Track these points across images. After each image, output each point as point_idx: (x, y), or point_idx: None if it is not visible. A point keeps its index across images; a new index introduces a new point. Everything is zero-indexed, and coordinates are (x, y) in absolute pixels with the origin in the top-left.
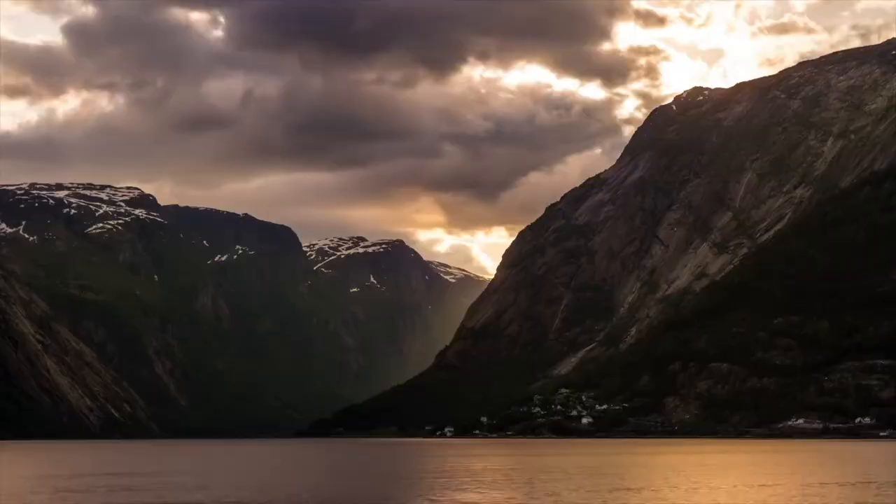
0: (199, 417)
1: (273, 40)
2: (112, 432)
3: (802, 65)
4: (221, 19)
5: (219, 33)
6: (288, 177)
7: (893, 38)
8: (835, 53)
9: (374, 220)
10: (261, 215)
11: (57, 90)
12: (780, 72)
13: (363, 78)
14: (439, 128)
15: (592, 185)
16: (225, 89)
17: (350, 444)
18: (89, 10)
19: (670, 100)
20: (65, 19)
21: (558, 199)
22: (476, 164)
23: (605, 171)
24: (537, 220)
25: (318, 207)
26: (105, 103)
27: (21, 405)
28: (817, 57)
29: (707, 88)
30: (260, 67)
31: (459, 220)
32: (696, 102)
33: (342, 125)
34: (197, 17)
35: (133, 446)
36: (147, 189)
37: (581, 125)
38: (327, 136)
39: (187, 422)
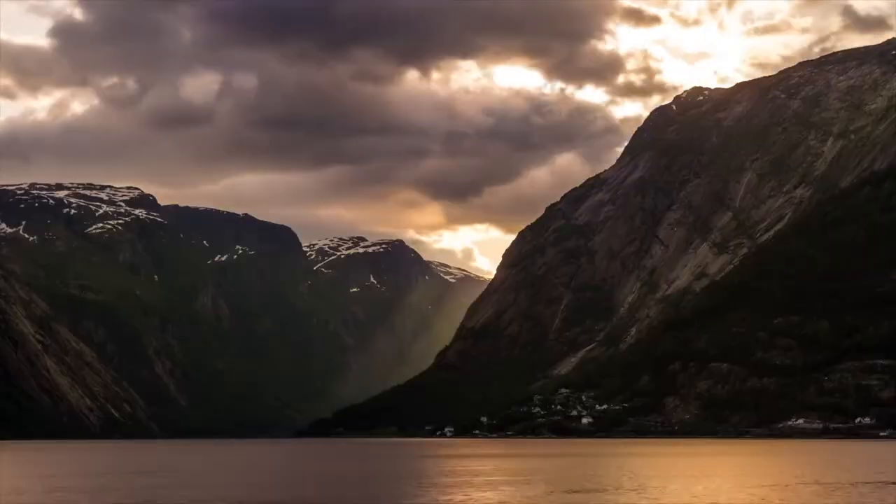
0: (199, 417)
1: (254, 35)
2: (112, 432)
3: (802, 65)
4: (203, 16)
5: (200, 29)
6: (271, 175)
7: (893, 38)
8: (834, 53)
9: (353, 219)
10: (258, 214)
11: (35, 89)
12: (780, 72)
13: (348, 73)
14: (428, 125)
15: (592, 185)
16: (204, 86)
17: (349, 444)
18: (74, 11)
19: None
20: (49, 19)
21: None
22: (467, 162)
23: (606, 170)
24: (537, 220)
25: (292, 206)
26: (82, 102)
27: (21, 405)
28: (811, 56)
29: (707, 88)
30: (240, 63)
31: (448, 219)
32: (696, 102)
33: (324, 122)
34: (177, 13)
35: (133, 446)
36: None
37: (572, 125)
38: (308, 133)
39: (187, 422)
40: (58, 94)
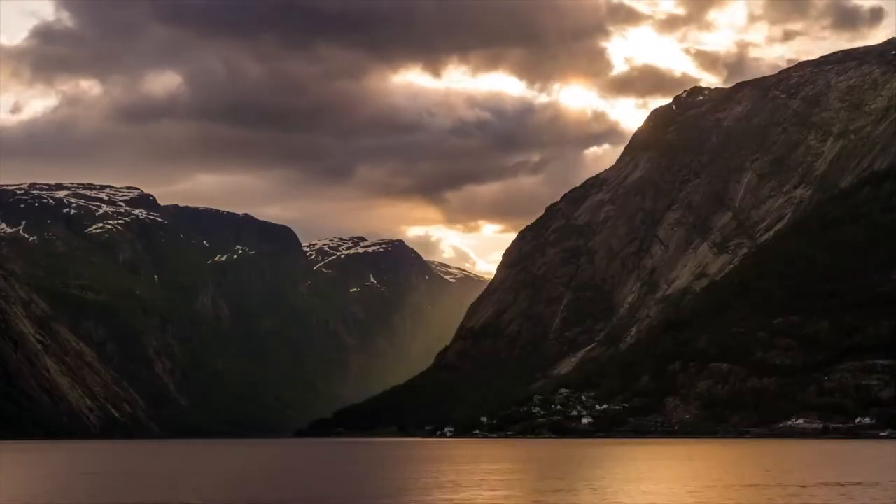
0: (199, 417)
1: (235, 30)
2: (112, 432)
3: (802, 65)
4: (179, 11)
5: (179, 25)
6: (254, 173)
7: (893, 38)
8: (834, 53)
9: (329, 216)
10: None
11: (3, 87)
12: (780, 72)
13: (319, 70)
14: (411, 123)
15: (592, 184)
16: (177, 82)
17: (347, 444)
18: (58, 14)
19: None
20: (38, 21)
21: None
22: (458, 161)
23: (606, 170)
24: (537, 220)
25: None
26: (50, 100)
27: (21, 405)
28: (808, 56)
29: (707, 88)
30: (205, 59)
31: (429, 218)
32: (696, 102)
33: (293, 118)
34: (150, 8)
35: (133, 446)
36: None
37: (559, 124)
38: (275, 131)
39: (187, 422)
40: (24, 94)
